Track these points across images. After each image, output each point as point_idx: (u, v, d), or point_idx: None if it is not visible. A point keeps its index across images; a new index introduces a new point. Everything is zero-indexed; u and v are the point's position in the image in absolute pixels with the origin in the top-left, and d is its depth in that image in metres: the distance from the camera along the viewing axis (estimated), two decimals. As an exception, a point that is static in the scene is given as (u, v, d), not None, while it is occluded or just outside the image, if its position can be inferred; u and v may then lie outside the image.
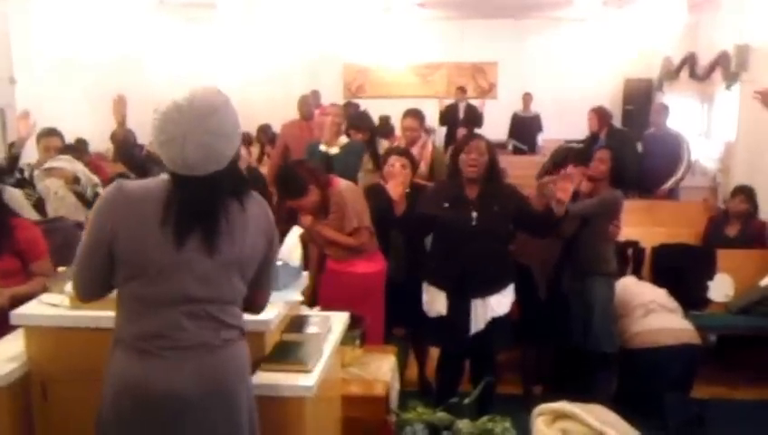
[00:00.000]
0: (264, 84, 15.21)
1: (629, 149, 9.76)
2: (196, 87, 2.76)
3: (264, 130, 12.34)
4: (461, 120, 13.96)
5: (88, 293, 2.92)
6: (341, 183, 5.63)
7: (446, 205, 5.32)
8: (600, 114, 10.14)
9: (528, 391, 6.30)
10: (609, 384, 6.23)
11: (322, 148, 7.12)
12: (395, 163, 6.00)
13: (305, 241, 5.72)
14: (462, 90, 14.63)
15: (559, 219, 5.16)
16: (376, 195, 5.62)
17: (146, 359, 2.73)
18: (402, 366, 6.38)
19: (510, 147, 14.33)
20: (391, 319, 5.98)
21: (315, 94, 12.71)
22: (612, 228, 6.09)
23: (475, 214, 5.24)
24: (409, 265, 5.96)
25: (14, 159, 6.57)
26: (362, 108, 11.63)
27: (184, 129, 2.65)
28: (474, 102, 14.60)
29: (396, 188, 5.24)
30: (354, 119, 7.90)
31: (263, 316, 3.35)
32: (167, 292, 2.75)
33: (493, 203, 5.29)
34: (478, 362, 5.64)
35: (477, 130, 13.44)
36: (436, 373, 5.89)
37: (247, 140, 8.57)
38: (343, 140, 7.34)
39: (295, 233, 4.08)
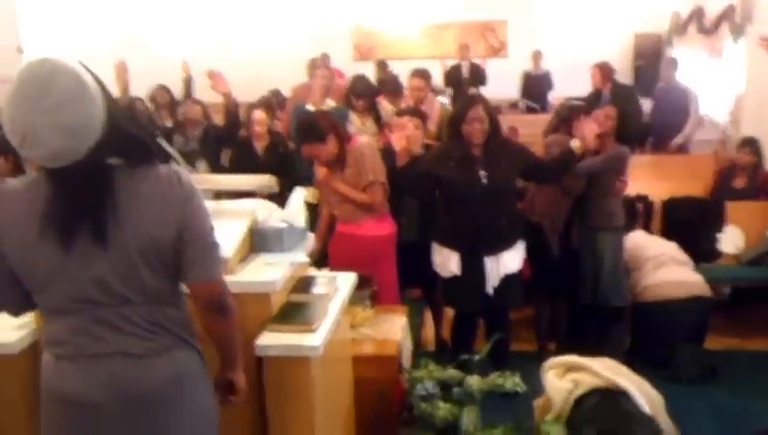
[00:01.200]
0: (273, 49, 15.13)
1: (633, 104, 9.73)
2: (48, 64, 2.32)
3: (275, 94, 12.32)
4: (466, 81, 13.89)
5: (8, 311, 2.71)
6: (361, 139, 5.61)
7: (453, 165, 5.33)
8: (604, 70, 10.07)
9: (543, 348, 6.31)
10: (622, 338, 6.29)
11: (309, 108, 7.12)
12: (408, 123, 5.99)
13: (316, 202, 5.75)
14: (465, 49, 14.49)
15: (577, 159, 5.19)
16: (384, 157, 5.62)
17: (60, 364, 2.54)
18: (418, 326, 6.46)
19: (522, 106, 14.24)
20: (406, 280, 6.01)
21: (324, 57, 12.68)
22: (619, 184, 6.08)
23: (483, 172, 5.25)
24: (422, 226, 5.96)
25: None
26: (390, 69, 11.68)
27: (34, 124, 2.27)
28: (477, 61, 14.51)
29: (399, 141, 5.24)
30: (354, 84, 7.88)
31: (267, 277, 3.39)
32: (63, 298, 2.49)
33: (500, 159, 5.31)
34: (492, 320, 5.70)
35: (482, 89, 13.50)
36: (450, 333, 5.95)
37: (269, 105, 8.51)
38: (330, 102, 7.33)
39: (299, 194, 4.08)
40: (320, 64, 9.94)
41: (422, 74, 7.47)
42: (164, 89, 9.78)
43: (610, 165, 6.02)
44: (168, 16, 14.65)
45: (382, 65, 13.25)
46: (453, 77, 14.11)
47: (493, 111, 5.53)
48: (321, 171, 5.50)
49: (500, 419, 4.13)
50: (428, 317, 6.71)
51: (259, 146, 7.14)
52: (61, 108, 2.27)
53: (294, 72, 10.89)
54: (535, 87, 14.24)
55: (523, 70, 14.42)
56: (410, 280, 6.09)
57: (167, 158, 2.63)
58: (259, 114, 7.17)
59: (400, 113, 6.38)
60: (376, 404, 4.13)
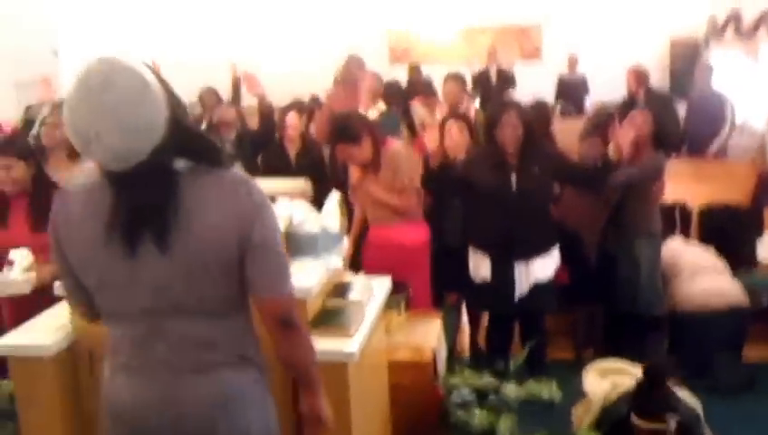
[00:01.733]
0: (308, 53, 15.15)
1: (669, 110, 9.65)
2: (108, 63, 2.27)
3: (314, 100, 12.36)
4: (495, 86, 13.83)
5: (84, 316, 2.72)
6: (396, 143, 5.59)
7: (486, 169, 5.32)
8: (638, 74, 10.02)
9: (579, 356, 6.27)
10: (660, 347, 6.22)
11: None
12: (452, 127, 5.97)
13: (349, 206, 5.74)
14: (493, 53, 14.42)
15: (613, 166, 5.16)
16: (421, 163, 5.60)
17: (115, 375, 2.53)
18: (454, 332, 6.43)
19: (558, 110, 14.16)
20: (445, 285, 5.98)
21: (358, 61, 12.69)
22: (656, 190, 6.03)
23: (514, 177, 5.24)
24: (463, 231, 5.92)
25: (28, 122, 6.61)
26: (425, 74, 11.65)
27: (95, 125, 2.23)
28: (504, 67, 14.44)
29: (431, 142, 5.22)
30: (386, 90, 7.86)
31: (302, 283, 3.34)
32: (122, 306, 2.46)
33: (533, 165, 5.30)
34: (527, 326, 5.70)
35: (517, 93, 13.44)
36: (486, 338, 5.92)
37: (301, 108, 8.54)
38: (381, 106, 7.29)
39: (334, 198, 4.05)
40: (363, 68, 9.93)
41: (456, 79, 7.46)
42: (212, 90, 9.77)
43: (648, 174, 5.97)
44: (204, 19, 14.68)
45: (415, 69, 13.22)
46: (481, 82, 14.06)
47: (527, 117, 5.51)
48: (355, 173, 5.47)
49: (537, 427, 4.10)
50: (465, 323, 6.69)
51: (292, 150, 7.11)
52: (122, 107, 2.22)
53: (330, 77, 10.89)
54: (572, 91, 14.13)
55: (559, 74, 14.34)
56: (450, 285, 6.07)
57: (233, 162, 2.58)
58: (292, 117, 7.14)
59: (445, 119, 6.34)
60: (413, 411, 4.10)
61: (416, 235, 5.47)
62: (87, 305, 2.59)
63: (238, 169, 2.55)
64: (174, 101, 2.37)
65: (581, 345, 6.38)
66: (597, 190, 5.66)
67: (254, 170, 6.64)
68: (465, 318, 6.64)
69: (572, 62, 14.22)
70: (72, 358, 3.58)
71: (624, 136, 5.12)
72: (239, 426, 2.51)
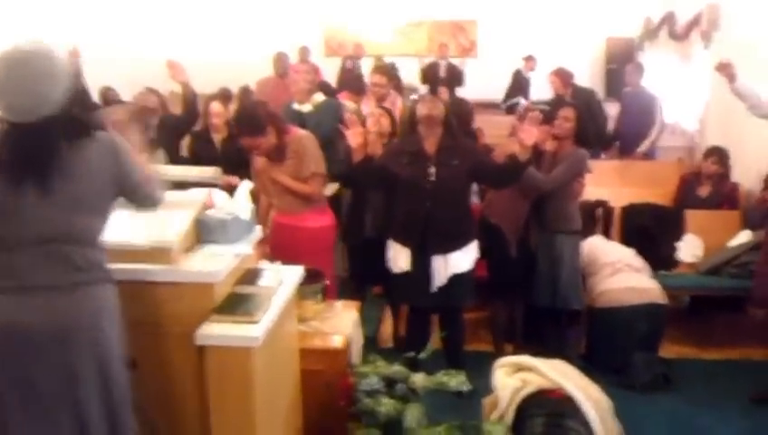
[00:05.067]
0: (242, 45, 15.12)
1: (595, 106, 9.78)
2: (32, 44, 2.91)
3: (245, 91, 12.36)
4: (442, 79, 13.89)
5: None
6: (300, 131, 5.60)
7: (405, 161, 5.36)
8: (562, 76, 10.04)
9: (499, 349, 6.29)
10: (578, 342, 6.32)
11: (295, 106, 7.08)
12: (374, 120, 6.03)
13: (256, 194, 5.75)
14: (444, 48, 14.50)
15: (522, 165, 5.20)
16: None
17: (2, 297, 2.90)
18: (377, 323, 6.50)
19: (505, 106, 14.08)
20: (368, 276, 6.01)
21: (304, 51, 12.71)
22: (577, 186, 6.11)
23: (432, 170, 5.28)
24: (386, 223, 5.94)
25: None
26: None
27: (3, 76, 2.84)
28: (454, 61, 14.53)
29: (355, 137, 5.24)
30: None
31: (210, 268, 3.42)
32: (10, 234, 2.92)
33: (451, 158, 5.34)
34: (445, 318, 5.75)
35: (458, 89, 13.50)
36: (405, 328, 5.96)
37: (227, 97, 8.57)
38: (318, 98, 7.28)
39: (246, 187, 4.08)
40: (301, 60, 9.93)
41: (383, 71, 7.48)
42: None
43: (574, 171, 6.04)
44: (137, 11, 14.58)
45: (348, 61, 13.25)
46: (429, 75, 14.12)
47: (449, 109, 5.58)
48: (258, 161, 5.50)
49: (450, 417, 4.14)
50: (388, 314, 6.74)
51: (217, 138, 7.10)
52: (30, 77, 2.84)
53: (264, 69, 10.88)
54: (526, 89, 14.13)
55: (517, 68, 14.29)
56: (372, 276, 6.11)
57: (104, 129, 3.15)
58: (216, 106, 7.14)
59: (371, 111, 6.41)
60: (324, 397, 4.13)
61: (321, 220, 5.55)
62: None
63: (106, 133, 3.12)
64: (74, 90, 3.00)
65: (501, 339, 6.41)
66: (506, 186, 5.69)
67: (175, 155, 6.64)
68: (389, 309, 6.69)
69: (530, 62, 14.19)
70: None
71: (527, 134, 5.15)
72: (113, 328, 3.04)
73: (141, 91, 7.09)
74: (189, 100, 6.97)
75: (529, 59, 14.17)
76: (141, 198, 3.22)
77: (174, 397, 3.36)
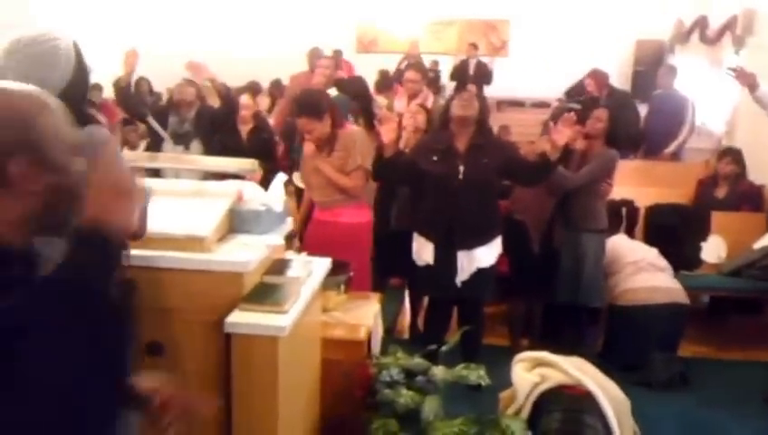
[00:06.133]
0: (275, 42, 15.20)
1: (630, 110, 9.79)
2: (40, 32, 2.87)
3: (276, 84, 12.46)
4: (470, 77, 13.93)
5: None
6: (354, 127, 5.74)
7: (435, 158, 5.42)
8: (597, 78, 10.09)
9: (515, 344, 6.37)
10: (596, 340, 6.37)
11: None
12: (393, 117, 6.10)
13: (299, 189, 5.82)
14: (474, 46, 14.55)
15: (552, 165, 5.26)
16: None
17: None
18: (396, 315, 6.57)
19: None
20: (389, 268, 6.09)
21: (337, 52, 12.78)
22: (605, 186, 6.16)
23: (462, 167, 5.34)
24: (409, 216, 6.01)
25: None
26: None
27: (3, 60, 2.82)
28: (484, 60, 14.57)
29: (388, 133, 5.31)
30: (347, 85, 7.94)
31: (241, 257, 3.48)
32: None
33: (481, 155, 5.38)
34: (465, 312, 5.81)
35: (486, 88, 13.53)
36: (424, 321, 6.03)
37: (256, 90, 8.69)
38: (332, 92, 7.36)
39: (280, 179, 4.15)
40: (325, 56, 10.02)
41: (418, 67, 7.54)
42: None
43: (603, 171, 6.11)
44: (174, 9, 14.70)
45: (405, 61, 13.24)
46: (459, 73, 14.15)
47: (484, 105, 5.66)
48: (309, 147, 5.54)
49: (466, 410, 4.21)
50: (406, 306, 6.85)
51: (244, 130, 7.24)
52: (27, 61, 2.79)
53: (297, 65, 10.97)
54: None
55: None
56: (393, 269, 6.19)
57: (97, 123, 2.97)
58: (245, 99, 7.29)
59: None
60: (341, 386, 4.19)
61: (359, 216, 5.59)
62: None
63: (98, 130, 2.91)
64: (76, 82, 2.90)
65: (518, 334, 6.50)
66: (535, 184, 5.75)
67: (212, 146, 6.73)
68: (407, 301, 6.81)
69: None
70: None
71: (560, 134, 5.21)
72: None
73: (179, 82, 7.20)
74: (223, 93, 7.08)
75: None
76: None
77: (199, 383, 3.43)
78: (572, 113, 5.34)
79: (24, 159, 1.71)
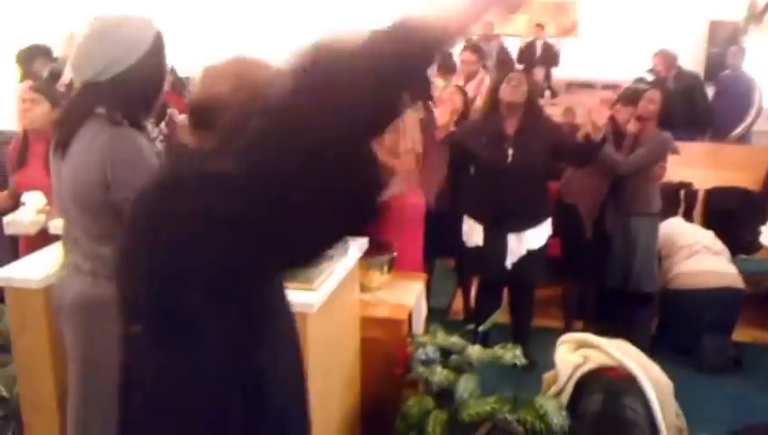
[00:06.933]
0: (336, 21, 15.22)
1: (698, 91, 9.65)
2: (111, 17, 2.89)
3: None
4: (537, 59, 13.86)
5: None
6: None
7: (484, 141, 5.42)
8: (665, 57, 9.99)
9: (569, 326, 6.33)
10: (649, 324, 6.32)
11: None
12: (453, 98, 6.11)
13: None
14: (540, 27, 14.48)
15: (595, 146, 5.23)
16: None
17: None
18: (450, 296, 6.58)
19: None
20: (440, 249, 6.11)
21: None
22: (658, 169, 6.09)
23: (510, 151, 5.34)
24: (454, 198, 6.02)
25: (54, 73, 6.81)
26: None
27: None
28: (552, 41, 14.48)
29: (443, 115, 5.31)
30: None
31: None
32: (58, 212, 3.18)
33: (530, 138, 5.37)
34: (516, 293, 5.83)
35: (554, 69, 13.43)
36: (475, 302, 6.05)
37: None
38: None
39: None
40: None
41: (474, 48, 7.51)
42: None
43: (655, 155, 6.05)
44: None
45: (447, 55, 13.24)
46: (525, 54, 14.08)
47: (534, 87, 5.63)
48: None
49: (510, 391, 4.20)
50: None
51: None
52: (88, 47, 2.82)
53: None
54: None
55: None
56: (445, 250, 6.20)
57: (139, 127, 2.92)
58: None
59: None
60: (382, 365, 4.26)
61: (411, 198, 5.58)
62: None
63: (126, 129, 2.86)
64: (149, 64, 2.85)
65: (571, 316, 6.47)
66: (582, 166, 5.73)
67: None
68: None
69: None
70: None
71: (598, 114, 5.17)
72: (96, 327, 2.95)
73: None
74: None
75: None
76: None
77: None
78: (610, 93, 5.30)
79: None
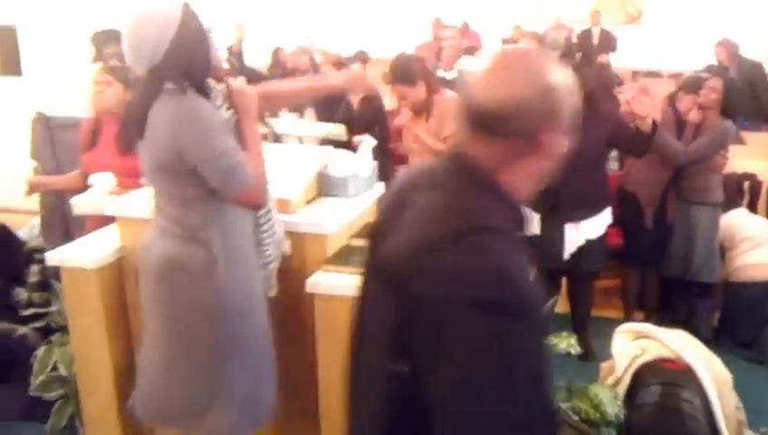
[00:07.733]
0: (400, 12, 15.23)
1: (761, 81, 9.48)
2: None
3: (399, 56, 12.49)
4: (596, 47, 13.73)
5: None
6: (450, 93, 5.58)
7: None
8: (728, 47, 9.82)
9: (630, 316, 6.25)
10: (711, 315, 6.23)
11: (440, 73, 7.09)
12: None
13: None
14: (597, 15, 14.32)
15: (646, 136, 5.16)
16: None
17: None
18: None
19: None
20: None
21: (437, 22, 12.72)
22: (719, 159, 5.99)
23: (566, 141, 5.26)
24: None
25: None
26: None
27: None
28: (608, 29, 14.33)
29: None
30: None
31: (325, 220, 3.60)
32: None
33: (587, 127, 5.28)
34: (574, 283, 5.79)
35: (622, 58, 13.29)
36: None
37: (364, 59, 8.64)
38: (463, 63, 7.31)
39: (369, 144, 4.19)
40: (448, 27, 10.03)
41: (531, 36, 7.45)
42: None
43: (716, 144, 5.94)
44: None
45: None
46: (582, 42, 13.94)
47: (592, 77, 5.56)
48: (405, 114, 5.54)
49: (568, 379, 4.18)
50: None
51: (355, 99, 7.25)
52: (134, 32, 3.02)
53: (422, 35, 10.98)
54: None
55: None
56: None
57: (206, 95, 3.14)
58: (356, 68, 7.29)
59: None
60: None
61: None
62: None
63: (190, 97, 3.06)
64: (190, 41, 3.05)
65: (632, 306, 6.40)
66: (638, 155, 5.66)
67: (325, 115, 6.79)
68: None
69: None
70: (117, 273, 3.87)
71: (639, 104, 5.09)
72: (179, 288, 3.20)
73: (294, 51, 7.30)
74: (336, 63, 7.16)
75: None
76: (215, 187, 3.07)
77: (288, 340, 3.52)
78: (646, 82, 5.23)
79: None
